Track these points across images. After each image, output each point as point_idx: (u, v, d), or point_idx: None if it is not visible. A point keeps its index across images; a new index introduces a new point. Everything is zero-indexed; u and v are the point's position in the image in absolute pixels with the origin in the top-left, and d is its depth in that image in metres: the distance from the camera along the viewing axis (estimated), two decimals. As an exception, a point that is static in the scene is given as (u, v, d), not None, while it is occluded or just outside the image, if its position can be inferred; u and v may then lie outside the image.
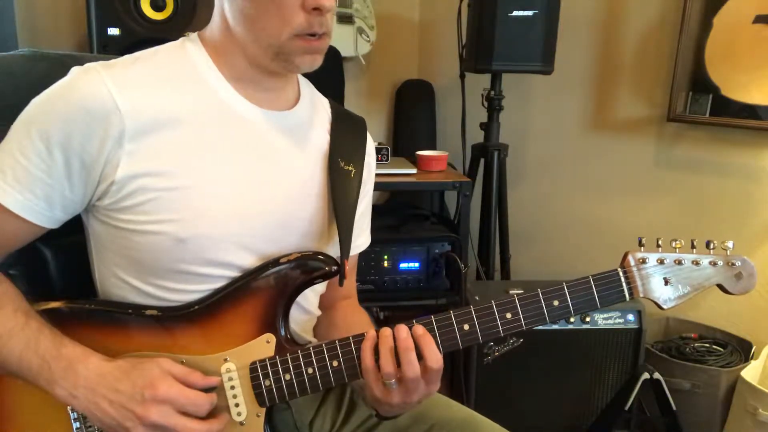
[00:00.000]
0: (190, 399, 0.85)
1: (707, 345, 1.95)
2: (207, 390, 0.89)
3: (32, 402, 0.91)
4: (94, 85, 0.84)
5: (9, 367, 0.86)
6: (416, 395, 0.89)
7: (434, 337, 0.89)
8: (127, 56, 0.92)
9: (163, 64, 0.92)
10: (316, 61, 0.93)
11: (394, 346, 0.87)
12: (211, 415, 0.88)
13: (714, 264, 0.92)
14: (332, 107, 1.10)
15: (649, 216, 2.18)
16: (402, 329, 0.88)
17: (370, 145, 1.14)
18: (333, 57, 2.44)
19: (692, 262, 0.92)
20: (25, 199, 0.85)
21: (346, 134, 1.08)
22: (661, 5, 2.08)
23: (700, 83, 1.96)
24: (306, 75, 1.08)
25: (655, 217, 2.16)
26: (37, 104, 0.86)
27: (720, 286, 0.93)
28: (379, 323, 0.96)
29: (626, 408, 1.76)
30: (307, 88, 1.07)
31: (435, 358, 0.87)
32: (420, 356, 0.87)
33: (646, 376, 1.74)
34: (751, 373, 1.76)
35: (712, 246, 0.93)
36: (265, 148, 0.96)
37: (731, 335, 1.97)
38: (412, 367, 0.86)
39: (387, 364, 0.86)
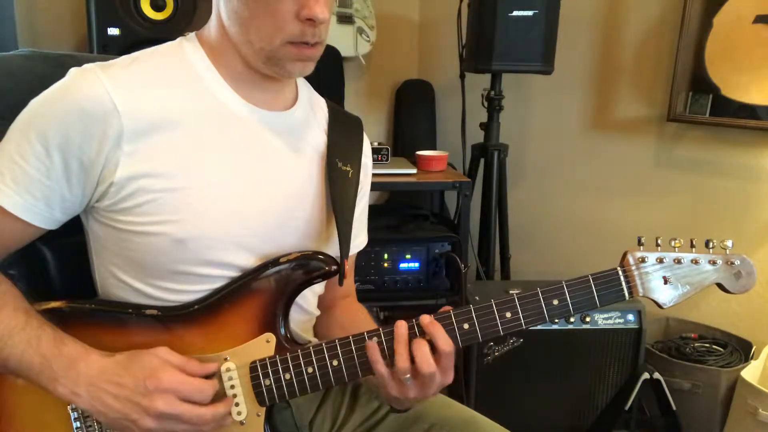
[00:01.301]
0: (194, 386, 0.85)
1: (707, 345, 1.95)
2: (207, 378, 0.89)
3: (32, 402, 0.91)
4: (92, 86, 0.84)
5: (10, 366, 0.86)
6: (433, 386, 0.89)
7: None
8: (124, 57, 0.92)
9: (161, 65, 0.92)
10: (308, 68, 0.93)
11: (408, 341, 0.88)
12: (214, 401, 0.88)
13: (713, 263, 0.92)
14: (329, 107, 1.10)
15: (649, 216, 2.18)
16: (406, 324, 0.88)
17: (367, 146, 1.14)
18: (333, 57, 2.44)
19: (691, 261, 0.92)
20: (24, 201, 0.85)
21: (343, 134, 1.08)
22: (661, 5, 2.08)
23: (700, 83, 1.96)
24: (306, 75, 1.09)
25: (655, 217, 2.16)
26: (35, 106, 0.86)
27: (719, 285, 0.93)
28: (378, 323, 0.96)
29: (626, 408, 1.76)
30: (305, 88, 1.07)
31: (445, 341, 0.88)
32: (432, 344, 0.87)
33: (646, 376, 1.74)
34: (751, 373, 1.76)
35: (711, 245, 0.93)
36: (263, 148, 0.96)
37: (731, 335, 1.97)
38: (426, 360, 0.86)
39: (402, 360, 0.87)
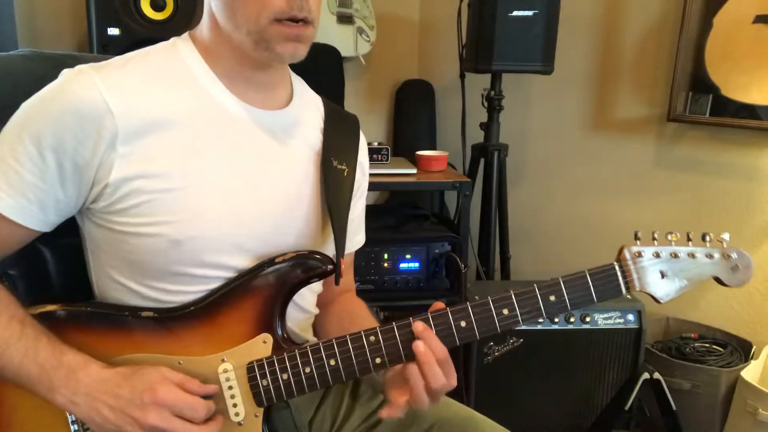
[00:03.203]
0: (188, 403, 0.85)
1: (707, 345, 1.95)
2: (205, 397, 0.89)
3: (30, 405, 0.91)
4: (85, 87, 0.84)
5: (7, 376, 0.86)
6: (440, 395, 0.90)
7: None
8: (118, 57, 0.92)
9: (155, 65, 0.92)
10: (299, 51, 0.91)
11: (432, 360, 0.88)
12: (209, 419, 0.88)
13: (710, 256, 0.92)
14: (325, 105, 1.10)
15: (649, 216, 2.18)
16: (419, 345, 0.88)
17: (363, 145, 1.14)
18: (333, 57, 2.43)
19: (688, 254, 0.92)
20: (18, 204, 0.85)
21: (339, 133, 1.07)
22: (661, 5, 2.08)
23: (700, 83, 1.96)
24: (306, 75, 1.08)
25: (655, 217, 2.16)
26: (28, 108, 0.86)
27: (717, 279, 0.93)
28: (378, 322, 0.96)
29: (626, 408, 1.75)
30: (300, 86, 1.07)
31: (440, 349, 0.88)
32: None
33: (646, 376, 1.73)
34: (751, 373, 1.75)
35: (708, 239, 0.92)
36: (259, 147, 0.96)
37: (731, 335, 1.96)
38: (437, 378, 0.88)
39: (419, 389, 0.88)
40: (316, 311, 1.10)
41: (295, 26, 0.88)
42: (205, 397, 0.89)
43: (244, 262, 0.93)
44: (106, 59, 0.91)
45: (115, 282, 0.94)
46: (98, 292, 0.97)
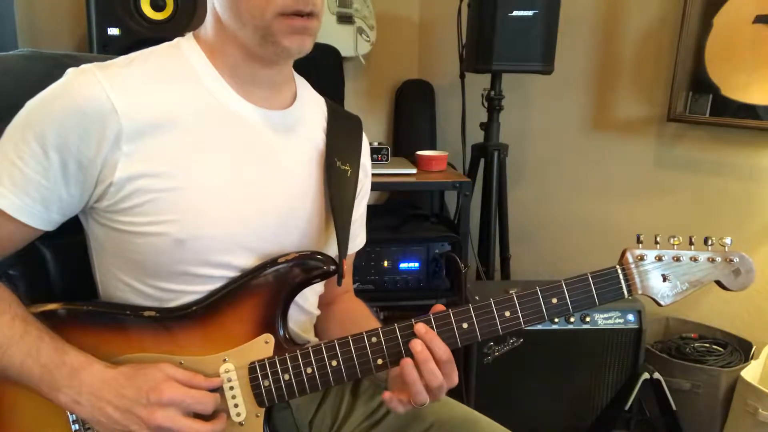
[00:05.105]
0: (195, 398, 0.86)
1: (707, 345, 1.95)
2: (210, 391, 0.89)
3: (30, 405, 0.91)
4: (90, 86, 0.84)
5: (10, 375, 0.85)
6: (441, 393, 0.91)
7: None
8: (122, 57, 0.92)
9: (159, 65, 0.92)
10: (305, 44, 0.90)
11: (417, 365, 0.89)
12: (212, 417, 0.89)
13: (712, 260, 0.92)
14: (328, 106, 1.10)
15: (649, 216, 2.18)
16: (416, 344, 0.89)
17: (365, 145, 1.14)
18: (333, 57, 2.43)
19: (690, 258, 0.92)
20: (22, 202, 0.85)
21: (342, 133, 1.07)
22: (661, 5, 2.08)
23: (700, 83, 1.96)
24: (306, 75, 1.08)
25: (655, 217, 2.16)
26: (32, 106, 0.86)
27: (718, 283, 0.93)
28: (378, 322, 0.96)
29: (626, 408, 1.76)
30: (304, 87, 1.07)
31: (443, 350, 0.89)
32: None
33: (646, 376, 1.74)
34: (751, 373, 1.76)
35: (710, 243, 0.93)
36: (262, 147, 0.96)
37: (731, 335, 1.97)
38: (434, 377, 0.88)
39: (416, 386, 0.89)
40: (318, 312, 1.11)
41: (300, 20, 0.88)
42: (212, 391, 0.89)
43: (247, 262, 0.94)
44: (107, 59, 0.91)
45: (120, 281, 0.94)
46: (103, 291, 0.97)
